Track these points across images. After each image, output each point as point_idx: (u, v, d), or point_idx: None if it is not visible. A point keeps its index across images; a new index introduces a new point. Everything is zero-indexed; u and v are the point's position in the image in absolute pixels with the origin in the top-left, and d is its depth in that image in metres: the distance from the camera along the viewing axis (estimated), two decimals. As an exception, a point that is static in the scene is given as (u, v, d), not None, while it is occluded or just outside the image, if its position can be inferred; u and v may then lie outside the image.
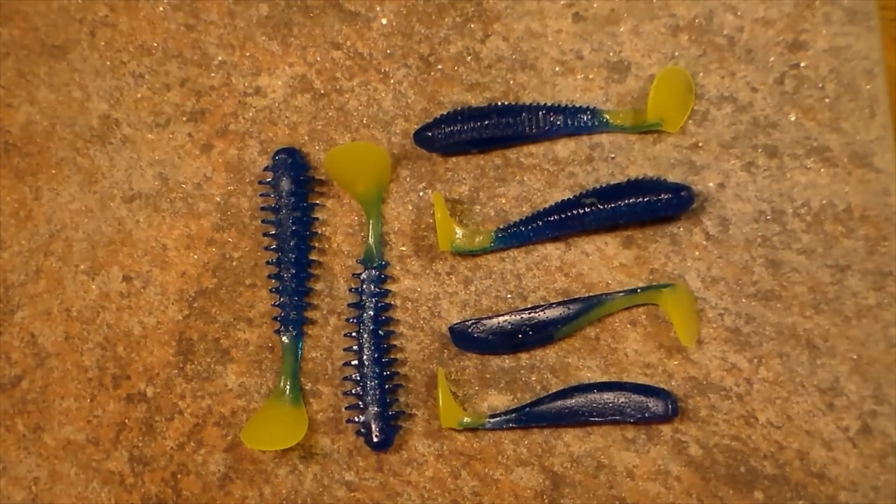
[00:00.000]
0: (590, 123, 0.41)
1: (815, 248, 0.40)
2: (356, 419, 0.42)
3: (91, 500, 0.44)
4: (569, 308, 0.41)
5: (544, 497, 0.41)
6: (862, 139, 0.40)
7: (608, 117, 0.41)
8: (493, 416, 0.41)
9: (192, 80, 0.45)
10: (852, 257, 0.40)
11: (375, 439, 0.41)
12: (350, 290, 0.43)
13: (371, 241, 0.43)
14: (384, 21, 0.44)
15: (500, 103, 0.42)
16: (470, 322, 0.42)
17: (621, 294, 0.41)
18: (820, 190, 0.40)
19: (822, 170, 0.40)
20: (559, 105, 0.41)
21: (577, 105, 0.41)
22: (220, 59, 0.45)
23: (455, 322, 0.42)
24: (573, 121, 0.41)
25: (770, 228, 0.40)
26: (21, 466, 0.44)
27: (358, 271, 0.43)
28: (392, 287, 0.43)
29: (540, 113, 0.41)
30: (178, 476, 0.43)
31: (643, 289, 0.41)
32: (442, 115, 0.42)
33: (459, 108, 0.42)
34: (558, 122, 0.41)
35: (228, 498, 0.43)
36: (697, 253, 0.41)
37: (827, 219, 0.40)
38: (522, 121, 0.41)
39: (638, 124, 0.41)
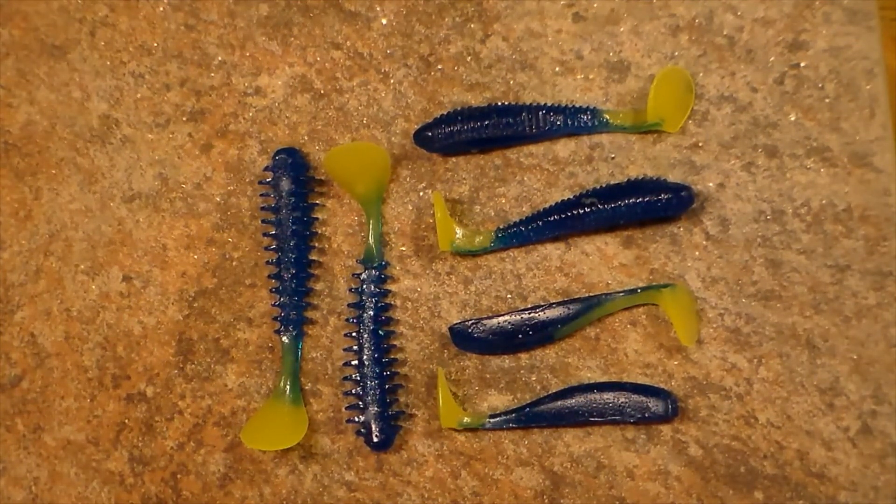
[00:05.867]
0: (590, 123, 0.41)
1: (815, 248, 0.40)
2: (356, 419, 0.42)
3: (91, 500, 0.44)
4: (569, 308, 0.41)
5: (544, 497, 0.41)
6: (862, 139, 0.40)
7: (608, 117, 0.41)
8: (493, 416, 0.41)
9: (192, 80, 0.45)
10: (852, 257, 0.40)
11: (375, 439, 0.41)
12: (350, 290, 0.43)
13: (371, 241, 0.43)
14: (384, 21, 0.44)
15: (499, 103, 0.42)
16: (470, 322, 0.42)
17: (621, 294, 0.41)
18: (820, 190, 0.40)
19: (822, 170, 0.40)
20: (559, 105, 0.41)
21: (577, 105, 0.42)
22: (220, 59, 0.45)
23: (455, 322, 0.42)
24: (573, 121, 0.41)
25: (770, 228, 0.40)
26: (21, 466, 0.44)
27: (358, 271, 0.43)
28: (392, 287, 0.43)
29: (540, 113, 0.41)
30: (178, 476, 0.43)
31: (643, 289, 0.41)
32: (442, 115, 0.42)
33: (459, 108, 0.42)
34: (558, 122, 0.41)
35: (228, 498, 0.43)
36: (697, 253, 0.41)
37: (827, 219, 0.40)
38: (522, 121, 0.41)
39: (638, 124, 0.41)
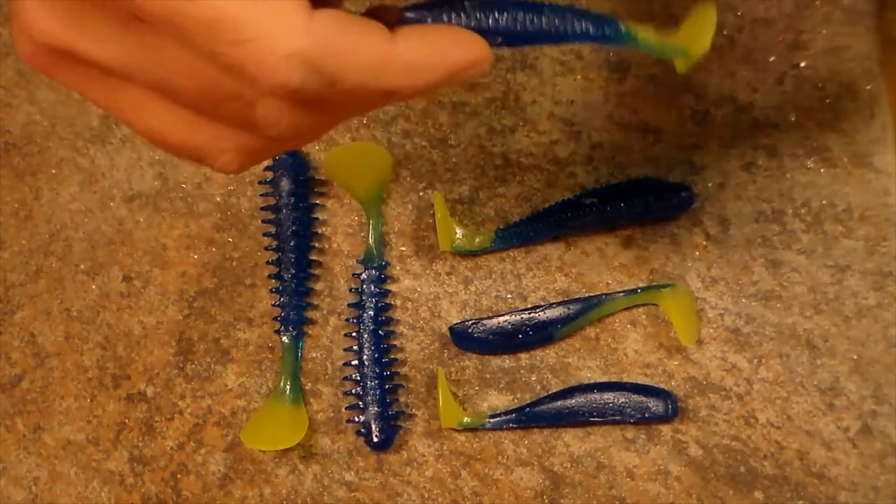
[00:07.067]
0: (612, 34, 0.33)
1: (815, 248, 0.40)
2: (356, 419, 0.42)
3: (91, 500, 0.44)
4: (569, 308, 0.41)
5: (544, 497, 0.41)
6: (862, 139, 0.40)
7: (633, 32, 0.33)
8: (493, 416, 0.41)
9: (192, 80, 0.45)
10: (852, 257, 0.40)
11: (375, 439, 0.41)
12: (350, 290, 0.43)
13: (371, 241, 0.43)
14: (384, 21, 0.44)
15: None
16: (470, 322, 0.42)
17: (621, 294, 0.41)
18: (820, 190, 0.40)
19: (822, 170, 0.40)
20: (583, 11, 0.31)
21: (605, 14, 0.32)
22: (220, 59, 0.45)
23: (455, 322, 0.42)
24: (594, 28, 0.32)
25: (770, 228, 0.40)
26: (21, 466, 0.44)
27: (358, 271, 0.43)
28: (392, 287, 0.43)
29: (565, 16, 0.31)
30: (178, 476, 0.43)
31: (643, 289, 0.41)
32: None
33: None
34: (581, 28, 0.31)
35: (228, 498, 0.43)
36: (697, 253, 0.41)
37: (827, 219, 0.40)
38: (540, 16, 0.30)
39: (663, 45, 0.34)
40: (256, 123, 0.26)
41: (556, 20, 0.31)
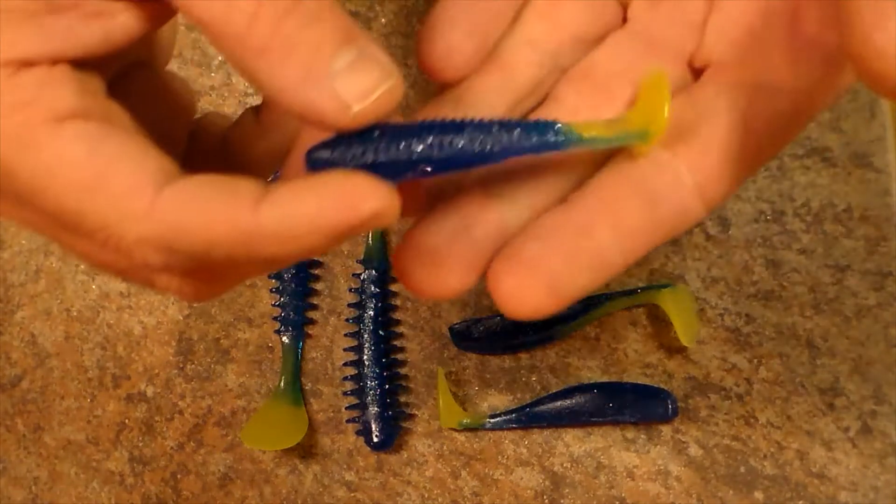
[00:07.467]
0: (553, 139, 0.27)
1: (815, 248, 0.40)
2: (356, 419, 0.42)
3: (91, 500, 0.44)
4: (569, 308, 0.41)
5: (544, 497, 0.41)
6: (862, 139, 0.40)
7: (576, 131, 0.27)
8: (493, 416, 0.41)
9: (193, 80, 0.45)
10: (852, 257, 0.40)
11: (375, 439, 0.41)
12: (350, 290, 0.43)
13: (371, 241, 0.43)
14: (384, 21, 0.44)
15: (436, 120, 0.26)
16: (470, 322, 0.42)
17: (621, 294, 0.41)
18: (820, 190, 0.40)
19: (822, 170, 0.40)
20: (514, 120, 0.27)
21: (539, 120, 0.27)
22: (220, 59, 0.45)
23: (455, 322, 0.42)
24: (530, 136, 0.27)
25: (770, 228, 0.40)
26: (21, 466, 0.44)
27: (358, 271, 0.43)
28: (392, 287, 0.43)
29: (491, 130, 0.27)
30: (178, 476, 0.43)
31: (643, 289, 0.41)
32: (345, 136, 0.24)
33: (380, 125, 0.25)
34: (514, 139, 0.27)
35: (228, 498, 0.43)
36: (697, 253, 0.41)
37: (827, 219, 0.40)
38: (467, 139, 0.26)
39: (617, 134, 0.28)
40: (167, 290, 0.25)
41: (483, 137, 0.27)
